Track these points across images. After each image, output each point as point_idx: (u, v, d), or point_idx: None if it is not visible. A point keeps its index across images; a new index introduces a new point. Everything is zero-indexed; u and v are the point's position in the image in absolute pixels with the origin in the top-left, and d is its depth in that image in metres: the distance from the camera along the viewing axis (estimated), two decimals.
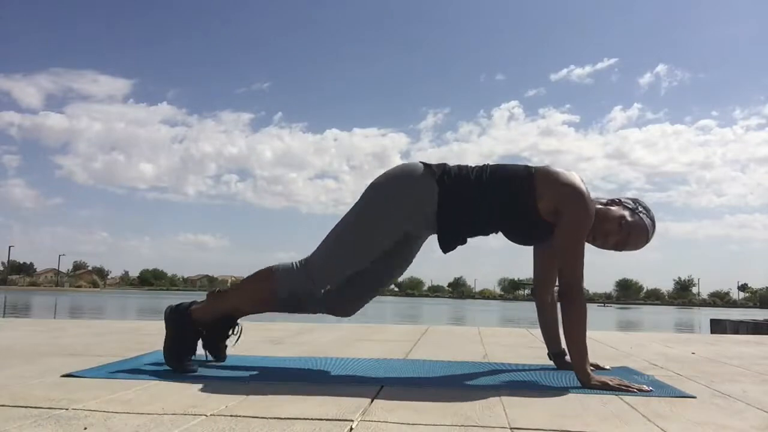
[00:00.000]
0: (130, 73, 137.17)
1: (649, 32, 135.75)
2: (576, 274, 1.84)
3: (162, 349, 1.94)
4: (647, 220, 1.97)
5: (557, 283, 2.07)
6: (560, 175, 1.88)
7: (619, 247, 1.97)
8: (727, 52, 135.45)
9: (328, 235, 1.97)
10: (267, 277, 1.94)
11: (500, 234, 1.99)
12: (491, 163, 1.98)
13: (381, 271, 2.04)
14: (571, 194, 1.85)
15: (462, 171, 1.94)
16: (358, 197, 1.99)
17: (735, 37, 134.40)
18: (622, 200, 2.01)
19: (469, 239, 2.00)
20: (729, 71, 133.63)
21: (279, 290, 1.93)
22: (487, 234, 1.99)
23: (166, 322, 1.96)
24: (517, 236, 1.99)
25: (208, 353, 2.07)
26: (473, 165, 1.98)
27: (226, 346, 2.10)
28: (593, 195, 1.94)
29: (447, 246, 1.97)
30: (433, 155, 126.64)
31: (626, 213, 1.96)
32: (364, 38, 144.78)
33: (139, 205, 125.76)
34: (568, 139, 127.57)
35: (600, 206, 1.96)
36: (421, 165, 1.94)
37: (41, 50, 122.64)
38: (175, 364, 1.89)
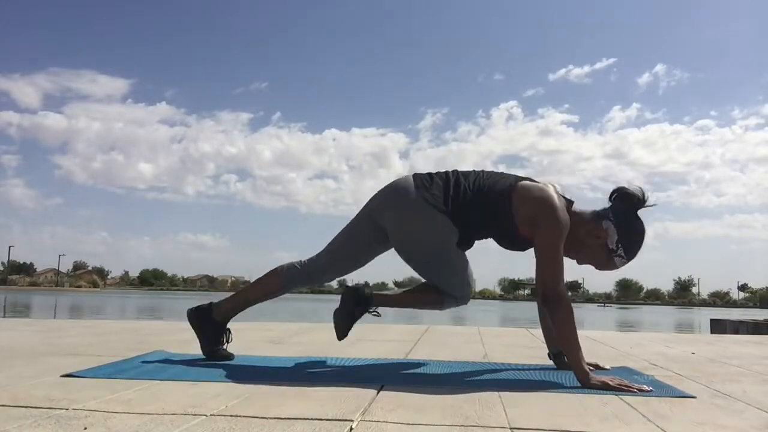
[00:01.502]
0: (128, 73, 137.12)
1: (648, 32, 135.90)
2: (556, 280, 1.90)
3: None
4: (619, 260, 1.99)
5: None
6: (533, 190, 1.97)
7: (590, 264, 2.05)
8: (725, 51, 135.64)
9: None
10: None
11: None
12: (483, 170, 2.10)
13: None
14: (544, 206, 1.93)
15: (463, 193, 2.02)
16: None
17: (733, 37, 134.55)
18: (610, 218, 1.98)
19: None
20: (728, 71, 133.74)
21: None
22: (478, 239, 2.15)
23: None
24: (504, 244, 2.10)
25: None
26: (468, 172, 2.09)
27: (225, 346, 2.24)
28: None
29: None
30: (432, 155, 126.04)
31: (608, 242, 1.97)
32: (362, 38, 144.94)
33: (138, 205, 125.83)
34: (567, 139, 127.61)
35: (588, 221, 1.98)
36: (426, 202, 2.01)
37: (39, 50, 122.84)
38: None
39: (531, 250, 2.11)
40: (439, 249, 2.06)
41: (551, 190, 1.97)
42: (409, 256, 2.10)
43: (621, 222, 1.97)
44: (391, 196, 2.08)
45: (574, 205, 2.02)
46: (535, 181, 2.04)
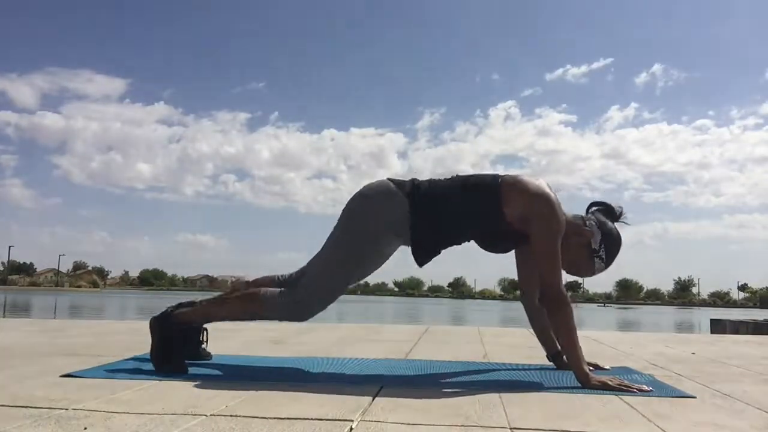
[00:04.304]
0: (125, 73, 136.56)
1: (645, 32, 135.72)
2: (555, 278, 1.88)
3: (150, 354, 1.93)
4: (599, 262, 1.99)
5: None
6: (528, 184, 1.91)
7: (567, 266, 2.00)
8: (723, 51, 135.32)
9: (312, 264, 2.01)
10: (254, 300, 1.96)
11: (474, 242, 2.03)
12: (461, 174, 2.02)
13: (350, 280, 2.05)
14: (540, 202, 1.88)
15: (431, 184, 1.98)
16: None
17: (731, 36, 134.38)
18: (594, 225, 1.99)
19: (442, 250, 2.03)
20: (725, 70, 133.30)
21: (264, 314, 1.96)
22: (459, 243, 2.03)
23: (150, 330, 1.95)
24: (487, 244, 2.03)
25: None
26: (444, 177, 2.02)
27: (204, 347, 2.15)
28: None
29: (422, 260, 2.00)
30: (431, 155, 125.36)
31: (591, 241, 1.97)
32: (360, 37, 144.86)
33: (137, 205, 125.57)
34: (564, 139, 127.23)
35: (572, 220, 1.97)
36: (390, 183, 1.98)
37: (36, 49, 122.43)
38: (164, 366, 1.87)
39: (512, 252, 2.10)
40: (363, 230, 1.95)
41: (545, 184, 1.93)
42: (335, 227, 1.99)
43: (602, 225, 1.99)
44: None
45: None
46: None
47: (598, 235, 1.97)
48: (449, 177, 2.02)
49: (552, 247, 1.88)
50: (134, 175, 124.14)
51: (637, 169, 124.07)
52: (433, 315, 22.73)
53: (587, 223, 1.99)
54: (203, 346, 2.14)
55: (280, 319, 2.00)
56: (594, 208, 2.05)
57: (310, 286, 1.96)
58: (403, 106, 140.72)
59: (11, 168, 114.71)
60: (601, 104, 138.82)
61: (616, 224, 2.02)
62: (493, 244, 2.03)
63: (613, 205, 2.04)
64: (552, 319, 1.91)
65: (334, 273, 1.97)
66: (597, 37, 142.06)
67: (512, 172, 2.02)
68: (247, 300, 1.98)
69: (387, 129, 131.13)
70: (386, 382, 1.76)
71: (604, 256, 1.99)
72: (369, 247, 1.97)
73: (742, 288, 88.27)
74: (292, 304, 1.94)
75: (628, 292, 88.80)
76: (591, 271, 2.01)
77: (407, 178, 2.02)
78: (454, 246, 2.04)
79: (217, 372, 1.91)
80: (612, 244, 1.99)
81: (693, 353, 2.83)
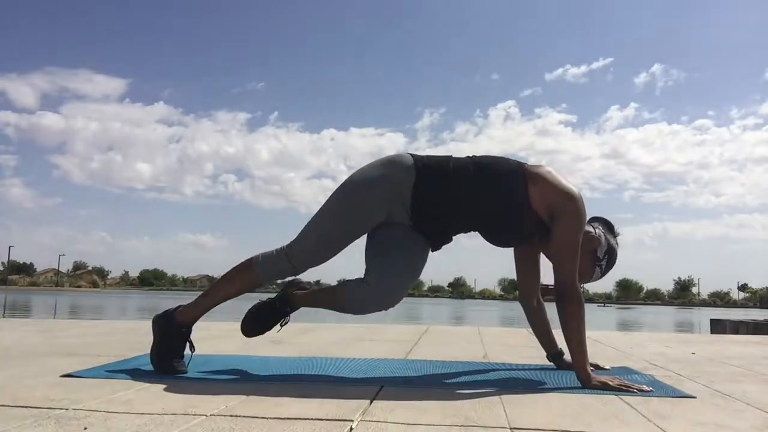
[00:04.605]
0: (125, 73, 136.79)
1: (644, 31, 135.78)
2: (572, 275, 1.86)
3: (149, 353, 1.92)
4: (598, 271, 2.01)
5: (543, 283, 2.12)
6: (560, 178, 1.89)
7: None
8: (722, 51, 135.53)
9: (310, 219, 1.97)
10: (248, 266, 1.94)
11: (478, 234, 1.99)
12: (476, 155, 1.96)
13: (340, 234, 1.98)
14: (572, 198, 1.86)
15: (444, 159, 1.93)
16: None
17: (731, 36, 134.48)
18: (599, 232, 2.01)
19: (453, 235, 2.00)
20: (725, 70, 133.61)
21: (260, 277, 1.92)
22: (466, 230, 1.97)
23: (153, 329, 1.95)
24: (495, 234, 1.98)
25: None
26: (459, 156, 1.97)
27: None
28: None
29: (434, 243, 1.97)
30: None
31: (597, 250, 1.99)
32: (360, 38, 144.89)
33: (137, 205, 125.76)
34: (564, 139, 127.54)
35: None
36: (406, 154, 1.95)
37: (36, 49, 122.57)
38: (163, 366, 1.86)
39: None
40: (353, 192, 1.90)
41: (571, 180, 1.91)
42: None
43: (607, 236, 2.02)
44: None
45: None
46: None
47: (605, 245, 2.00)
48: (465, 156, 1.96)
49: (575, 244, 1.86)
50: (134, 175, 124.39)
51: (637, 169, 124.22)
52: (433, 315, 22.70)
53: (596, 231, 2.00)
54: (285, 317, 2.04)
55: (271, 279, 1.94)
56: (594, 223, 2.06)
57: (302, 236, 1.93)
58: (403, 106, 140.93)
59: (11, 168, 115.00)
60: (601, 104, 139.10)
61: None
62: (501, 234, 1.97)
63: (611, 222, 2.08)
64: (563, 315, 1.85)
65: (323, 227, 1.92)
66: (597, 37, 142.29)
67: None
68: (246, 268, 1.94)
69: (387, 129, 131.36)
70: (386, 382, 1.76)
71: (604, 266, 2.00)
72: (362, 207, 1.90)
73: (742, 288, 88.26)
74: (286, 259, 1.90)
75: (628, 292, 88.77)
76: (590, 278, 2.02)
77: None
78: (458, 239, 2.01)
79: (217, 372, 1.91)
80: (612, 257, 2.02)
81: (693, 353, 2.83)
